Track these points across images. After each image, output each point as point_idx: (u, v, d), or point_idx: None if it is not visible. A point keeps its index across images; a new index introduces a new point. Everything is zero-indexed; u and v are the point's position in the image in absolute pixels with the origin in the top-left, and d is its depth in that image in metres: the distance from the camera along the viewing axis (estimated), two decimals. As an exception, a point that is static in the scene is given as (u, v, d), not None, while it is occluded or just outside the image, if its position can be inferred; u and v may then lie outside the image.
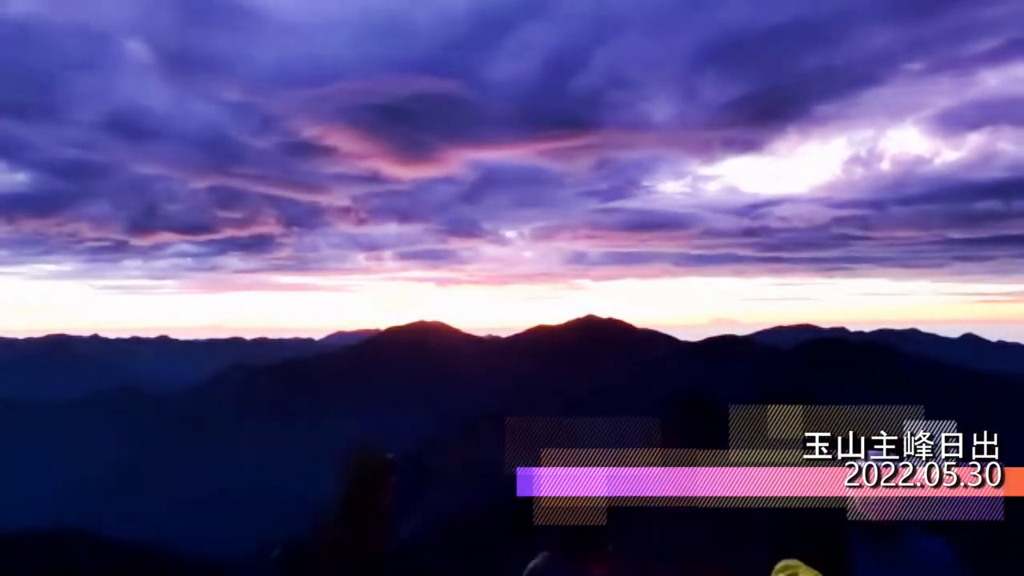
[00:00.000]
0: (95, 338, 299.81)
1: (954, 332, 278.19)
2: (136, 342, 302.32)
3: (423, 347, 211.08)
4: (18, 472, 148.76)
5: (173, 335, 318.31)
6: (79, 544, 61.16)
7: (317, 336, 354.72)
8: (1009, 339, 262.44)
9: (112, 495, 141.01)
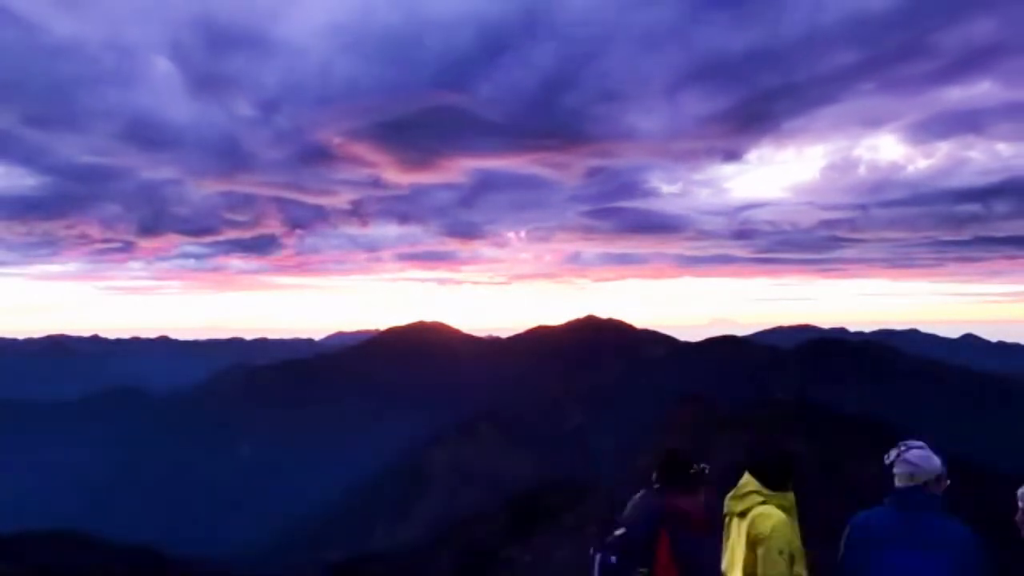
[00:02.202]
0: (95, 338, 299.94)
1: (954, 332, 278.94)
2: (136, 342, 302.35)
3: (423, 347, 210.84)
4: (18, 472, 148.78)
5: (174, 335, 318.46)
6: (79, 544, 61.16)
7: (317, 336, 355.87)
8: (1009, 339, 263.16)
9: (112, 495, 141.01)
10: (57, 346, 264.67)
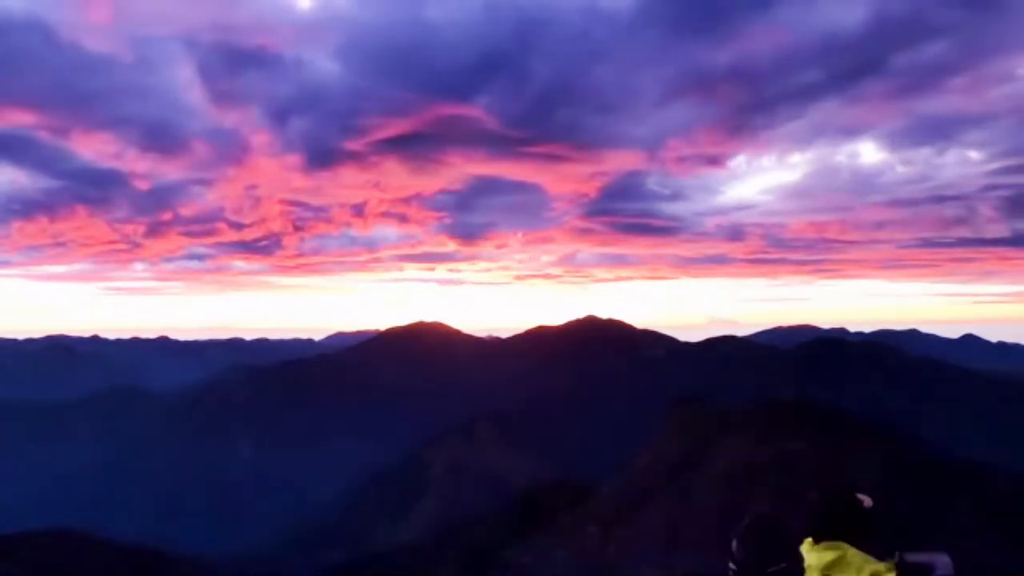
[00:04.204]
0: (95, 338, 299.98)
1: (954, 332, 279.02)
2: (136, 342, 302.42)
3: (423, 347, 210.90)
4: (18, 472, 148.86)
5: (175, 336, 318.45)
6: (79, 544, 61.18)
7: (317, 336, 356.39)
8: (1009, 339, 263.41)
9: (112, 495, 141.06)
10: (57, 346, 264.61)
